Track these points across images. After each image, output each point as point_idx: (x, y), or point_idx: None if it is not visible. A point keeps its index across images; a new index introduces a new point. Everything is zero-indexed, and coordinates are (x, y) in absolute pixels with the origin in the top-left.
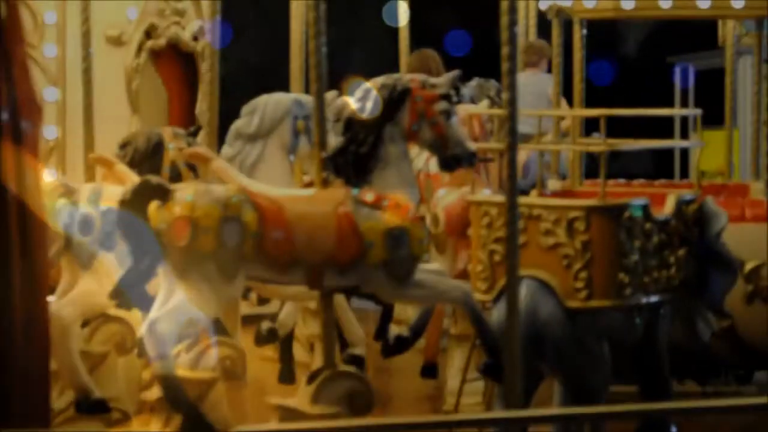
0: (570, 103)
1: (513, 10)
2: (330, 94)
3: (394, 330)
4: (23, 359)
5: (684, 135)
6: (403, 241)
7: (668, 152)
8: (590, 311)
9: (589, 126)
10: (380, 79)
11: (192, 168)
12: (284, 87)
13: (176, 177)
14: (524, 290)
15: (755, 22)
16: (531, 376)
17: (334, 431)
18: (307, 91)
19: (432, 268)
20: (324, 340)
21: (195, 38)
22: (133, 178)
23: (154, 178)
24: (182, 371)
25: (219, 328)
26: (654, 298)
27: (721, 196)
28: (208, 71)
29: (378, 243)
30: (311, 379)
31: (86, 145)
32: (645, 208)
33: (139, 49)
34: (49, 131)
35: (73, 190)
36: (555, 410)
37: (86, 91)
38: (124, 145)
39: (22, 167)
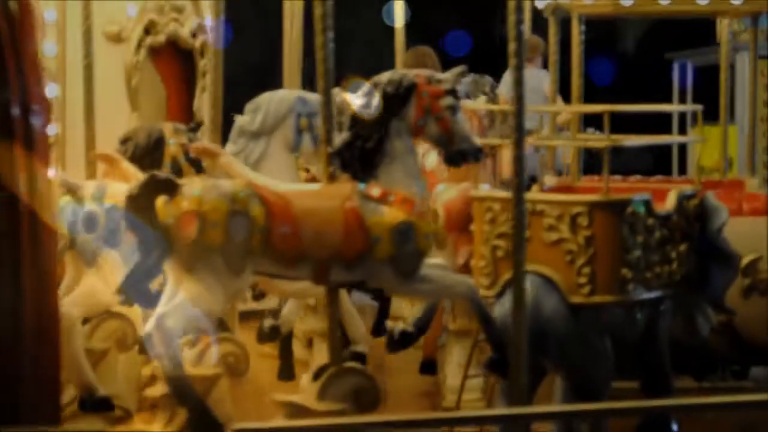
0: (565, 99)
1: (520, 9)
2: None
3: (390, 326)
4: (34, 358)
5: (682, 131)
6: (410, 236)
7: (666, 148)
8: (593, 307)
9: (586, 122)
10: (386, 75)
11: (193, 163)
12: (278, 84)
13: (177, 172)
14: (527, 286)
15: (750, 19)
16: (533, 372)
17: (334, 429)
18: (303, 88)
19: (436, 262)
20: (330, 336)
21: (193, 35)
22: (137, 175)
23: (161, 173)
24: (186, 368)
25: (221, 324)
26: (656, 294)
27: (718, 192)
28: (211, 70)
29: (385, 238)
30: (317, 375)
31: (87, 141)
32: (647, 204)
33: (139, 45)
34: (50, 128)
35: (77, 188)
36: (559, 407)
37: (87, 88)
38: (124, 141)
39: (33, 163)
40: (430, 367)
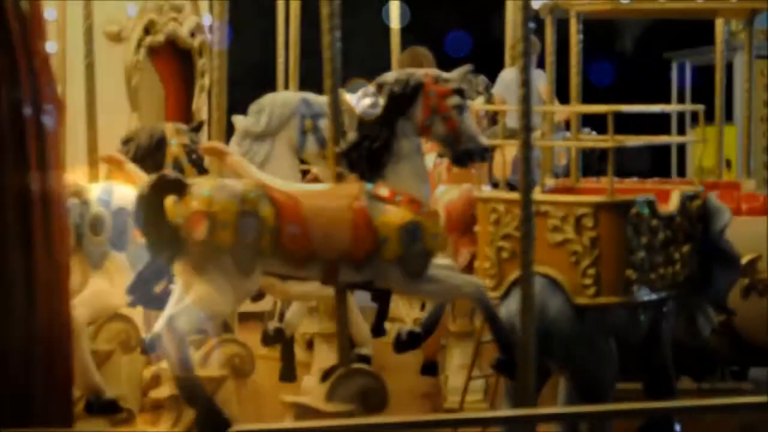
0: (563, 99)
1: (527, 7)
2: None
3: (388, 327)
4: (47, 362)
5: (681, 132)
6: (418, 236)
7: (665, 149)
8: (598, 308)
9: (583, 123)
10: (392, 74)
11: (195, 163)
12: (276, 84)
13: (179, 173)
14: None
15: (746, 18)
16: (538, 373)
17: (337, 430)
18: (302, 88)
19: (444, 263)
20: (338, 337)
21: (192, 35)
22: (142, 177)
23: (170, 173)
24: None
25: (225, 325)
26: (659, 295)
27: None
28: (216, 70)
29: (393, 238)
30: (325, 376)
31: (89, 142)
32: (651, 205)
33: (139, 45)
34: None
35: (84, 190)
36: (565, 408)
37: (89, 88)
38: (126, 142)
39: (45, 164)
40: (431, 368)
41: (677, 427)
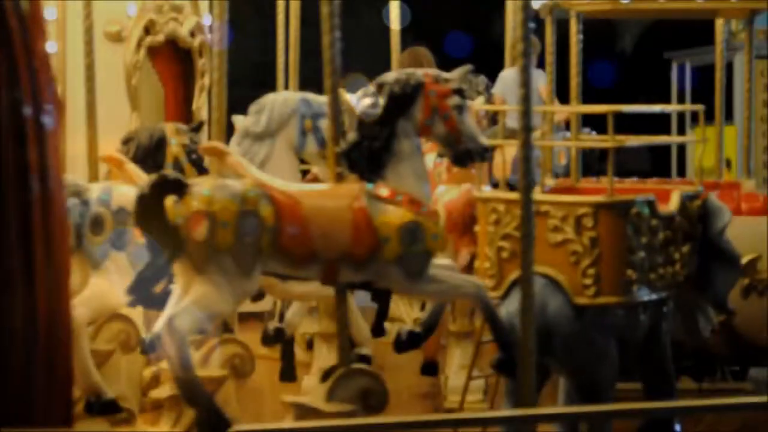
0: (563, 99)
1: (528, 7)
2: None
3: (388, 327)
4: (47, 361)
5: (681, 132)
6: (418, 236)
7: (664, 149)
8: (598, 308)
9: (583, 123)
10: (393, 74)
11: (194, 163)
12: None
13: (179, 173)
14: None
15: (746, 18)
16: (538, 372)
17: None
18: (302, 88)
19: (444, 263)
20: (338, 337)
21: (192, 34)
22: (142, 177)
23: (171, 173)
24: None
25: (224, 325)
26: (659, 295)
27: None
28: (216, 70)
29: (393, 238)
30: (326, 376)
31: (89, 142)
32: (651, 205)
33: (138, 45)
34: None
35: (84, 189)
36: (566, 408)
37: (89, 88)
38: (126, 141)
39: (45, 164)
40: (431, 368)
41: (677, 427)
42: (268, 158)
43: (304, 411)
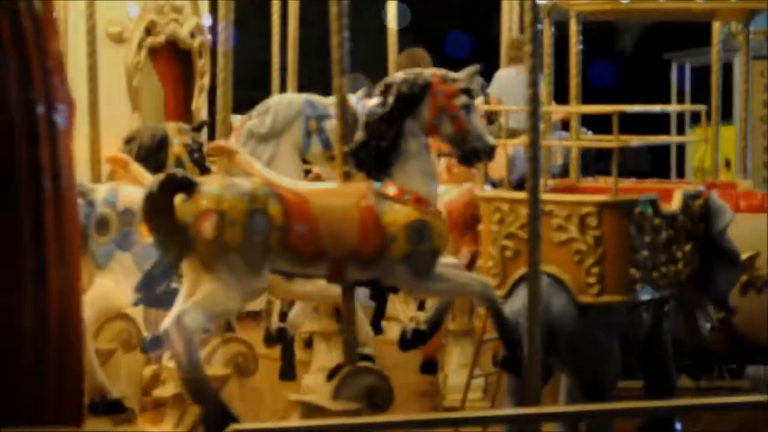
0: (562, 99)
1: (535, 8)
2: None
3: (385, 325)
4: (58, 359)
5: (680, 132)
6: (425, 235)
7: (665, 149)
8: (602, 306)
9: (581, 123)
10: (400, 74)
11: (197, 163)
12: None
13: None
14: None
15: (744, 19)
16: (541, 371)
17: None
18: (301, 89)
19: (450, 261)
20: (344, 335)
21: (192, 35)
22: (147, 177)
23: (179, 171)
24: None
25: (228, 324)
26: (662, 294)
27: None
28: (221, 70)
29: (400, 236)
30: (332, 374)
31: (91, 142)
32: (654, 204)
33: (140, 46)
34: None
35: (89, 190)
36: (569, 407)
37: (91, 89)
38: (128, 141)
39: (58, 164)
40: (430, 366)
41: (678, 426)
42: (272, 159)
43: (310, 409)
